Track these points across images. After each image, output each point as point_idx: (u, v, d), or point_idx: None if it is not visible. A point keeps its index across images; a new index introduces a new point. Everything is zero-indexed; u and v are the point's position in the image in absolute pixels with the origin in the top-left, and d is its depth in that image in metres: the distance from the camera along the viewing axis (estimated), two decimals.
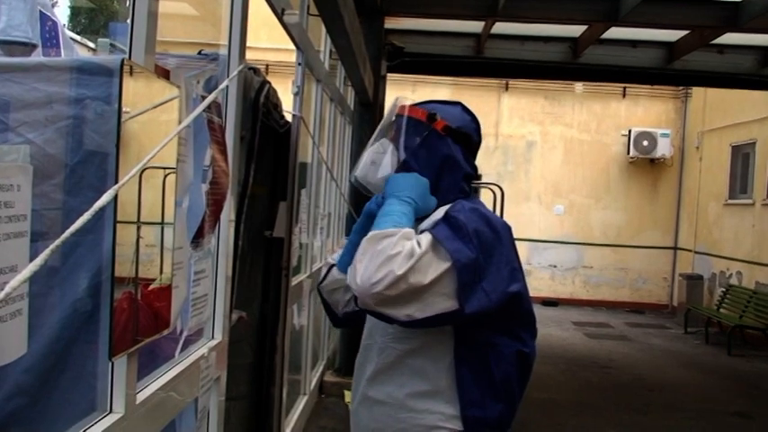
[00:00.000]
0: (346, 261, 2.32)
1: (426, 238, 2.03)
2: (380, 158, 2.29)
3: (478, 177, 2.45)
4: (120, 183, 1.59)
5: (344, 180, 8.67)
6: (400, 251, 1.97)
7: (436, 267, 2.00)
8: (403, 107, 2.33)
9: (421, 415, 2.14)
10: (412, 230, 2.06)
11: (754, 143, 13.16)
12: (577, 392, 8.75)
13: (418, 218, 2.20)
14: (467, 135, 2.32)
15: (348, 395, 7.41)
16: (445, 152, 2.27)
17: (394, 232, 2.01)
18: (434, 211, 2.24)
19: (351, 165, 8.58)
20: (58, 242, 1.28)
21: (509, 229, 2.22)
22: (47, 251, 1.25)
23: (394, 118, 2.34)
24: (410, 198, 2.16)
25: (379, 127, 2.38)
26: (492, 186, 11.97)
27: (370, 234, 2.04)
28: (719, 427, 7.69)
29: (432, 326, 2.06)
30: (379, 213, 2.14)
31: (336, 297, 2.47)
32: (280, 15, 3.90)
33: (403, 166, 2.27)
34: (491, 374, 2.14)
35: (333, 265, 2.47)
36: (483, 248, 2.06)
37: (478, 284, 2.05)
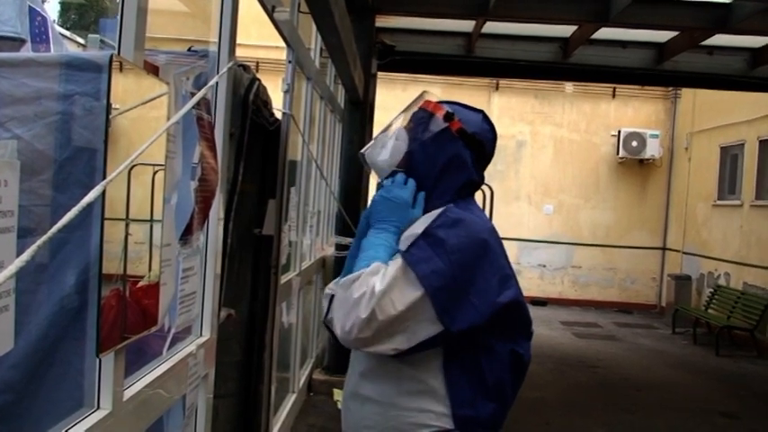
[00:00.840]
0: None
1: (395, 266, 2.06)
2: (391, 144, 2.30)
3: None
4: (108, 179, 1.58)
5: (334, 178, 8.66)
6: (364, 292, 2.02)
7: (406, 297, 2.03)
8: (427, 102, 2.33)
9: (411, 413, 2.14)
10: (380, 264, 2.08)
11: (743, 144, 13.22)
12: (565, 391, 8.77)
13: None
14: (480, 143, 2.30)
15: (337, 393, 7.41)
16: (452, 153, 2.26)
17: (360, 273, 2.07)
18: (424, 214, 2.24)
19: (341, 163, 8.58)
20: (44, 238, 1.28)
21: (496, 235, 2.22)
22: (33, 247, 1.25)
23: (416, 109, 2.34)
24: (385, 222, 2.21)
25: (397, 114, 2.38)
26: (482, 186, 11.98)
27: (342, 280, 2.12)
28: (706, 426, 7.72)
29: (423, 350, 2.08)
30: (360, 251, 2.20)
31: None
32: (270, 12, 3.89)
33: (408, 157, 2.28)
34: (483, 374, 2.14)
35: (333, 297, 2.46)
36: (466, 262, 2.08)
37: (466, 299, 2.07)
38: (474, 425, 2.15)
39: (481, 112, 2.39)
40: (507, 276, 2.17)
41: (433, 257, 2.05)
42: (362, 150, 2.37)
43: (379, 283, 2.02)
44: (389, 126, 2.35)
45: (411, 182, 2.25)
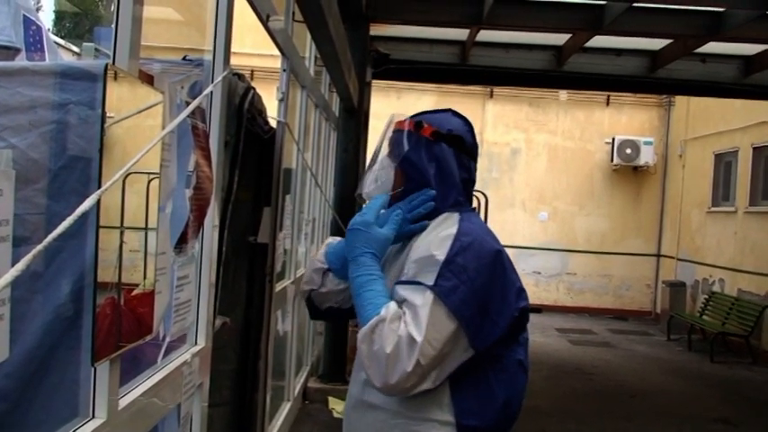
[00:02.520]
0: (336, 265, 2.40)
1: (426, 305, 2.03)
2: (383, 175, 2.33)
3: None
4: (103, 188, 1.58)
5: (329, 186, 8.67)
6: (398, 343, 1.99)
7: (442, 333, 2.02)
8: (398, 123, 2.35)
9: (415, 422, 2.13)
10: (393, 307, 2.06)
11: (737, 151, 13.26)
12: (561, 399, 8.77)
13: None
14: (458, 137, 2.32)
15: (332, 401, 7.40)
16: (436, 157, 2.28)
17: (380, 320, 2.03)
18: (419, 221, 2.26)
19: (335, 171, 8.59)
20: (39, 247, 1.28)
21: (502, 247, 2.24)
22: (28, 256, 1.25)
23: (391, 134, 2.36)
24: (361, 255, 2.19)
25: (376, 144, 2.41)
26: (476, 193, 12.01)
27: (361, 334, 2.07)
28: None
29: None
30: (352, 292, 2.19)
31: (327, 297, 2.47)
32: (265, 21, 3.90)
33: (398, 179, 2.31)
34: (489, 384, 2.15)
35: (327, 270, 2.46)
36: (486, 283, 2.10)
37: (489, 318, 2.09)
38: None
39: (449, 110, 2.42)
40: (520, 289, 2.21)
41: (459, 286, 2.05)
42: (358, 191, 2.40)
43: (415, 330, 2.00)
44: (374, 158, 2.39)
45: (374, 203, 2.27)
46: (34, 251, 1.28)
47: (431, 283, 2.06)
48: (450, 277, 2.06)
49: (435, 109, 2.45)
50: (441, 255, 2.10)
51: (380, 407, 2.19)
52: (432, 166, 2.27)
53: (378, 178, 2.33)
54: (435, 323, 2.01)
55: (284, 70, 4.78)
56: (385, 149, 2.37)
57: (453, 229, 2.17)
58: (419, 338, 1.98)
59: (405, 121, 2.34)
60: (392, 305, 2.06)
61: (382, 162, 2.34)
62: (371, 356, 2.04)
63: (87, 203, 1.46)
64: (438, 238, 2.16)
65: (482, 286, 2.08)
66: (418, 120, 2.32)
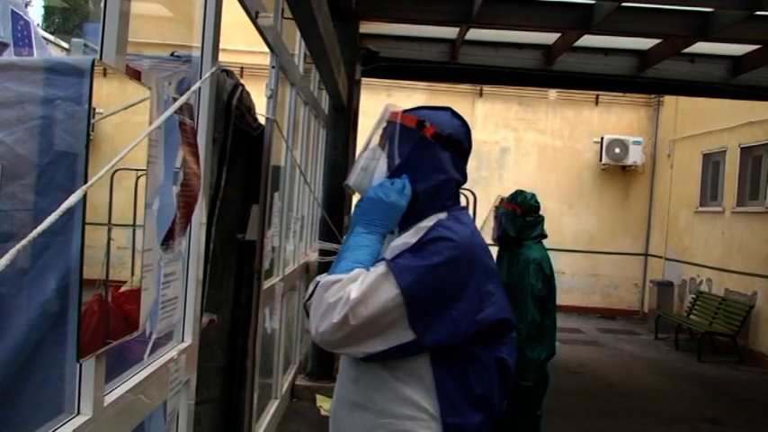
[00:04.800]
0: None
1: (375, 272, 2.07)
2: (372, 165, 2.30)
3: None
4: (88, 184, 1.58)
5: (318, 184, 8.66)
6: (340, 297, 2.03)
7: (380, 300, 2.04)
8: (394, 114, 2.31)
9: (401, 420, 2.13)
10: (361, 271, 2.09)
11: (725, 151, 13.31)
12: (548, 397, 8.76)
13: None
14: (457, 141, 2.30)
15: (320, 399, 7.40)
16: (434, 160, 2.25)
17: (340, 278, 2.07)
18: (416, 222, 2.24)
19: (325, 168, 8.58)
20: (24, 242, 1.28)
21: (486, 249, 2.23)
22: (11, 251, 1.24)
23: (385, 125, 2.33)
24: (375, 224, 2.20)
25: (368, 134, 2.37)
26: (465, 191, 12.02)
27: (325, 279, 2.11)
28: None
29: (394, 357, 2.10)
30: (342, 248, 2.20)
31: None
32: (254, 18, 3.89)
33: (393, 174, 2.27)
34: (470, 384, 2.14)
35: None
36: (451, 279, 2.09)
37: (446, 313, 2.07)
38: None
39: (448, 109, 2.39)
40: (488, 293, 2.16)
41: (416, 267, 2.06)
42: (347, 181, 2.36)
43: (356, 290, 2.03)
44: (365, 148, 2.35)
45: (409, 188, 2.22)
46: (18, 246, 1.28)
47: (389, 258, 2.10)
48: (411, 258, 2.08)
49: (434, 105, 2.41)
50: (412, 240, 2.13)
51: (366, 406, 2.18)
52: (426, 167, 2.25)
53: (367, 168, 2.31)
54: (377, 289, 2.04)
55: (273, 67, 4.78)
56: (376, 140, 2.34)
57: (431, 222, 2.18)
58: (353, 296, 2.02)
59: (404, 114, 2.30)
60: (359, 270, 2.10)
61: (374, 152, 2.31)
62: (319, 301, 2.08)
63: (72, 199, 1.46)
64: (416, 229, 2.18)
65: (445, 280, 2.07)
66: (422, 119, 2.27)
